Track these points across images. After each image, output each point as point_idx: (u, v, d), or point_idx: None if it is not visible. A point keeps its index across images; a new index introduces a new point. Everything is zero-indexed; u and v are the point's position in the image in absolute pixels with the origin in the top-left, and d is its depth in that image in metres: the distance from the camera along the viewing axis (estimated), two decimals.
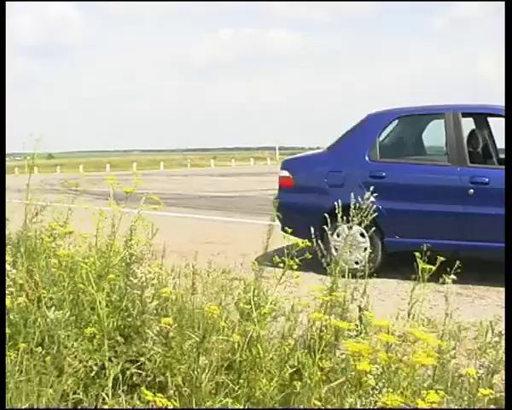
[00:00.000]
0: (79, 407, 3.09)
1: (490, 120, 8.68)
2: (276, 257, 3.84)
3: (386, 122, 7.77)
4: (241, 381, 3.21)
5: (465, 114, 7.57)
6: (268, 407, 3.05)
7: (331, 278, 4.05)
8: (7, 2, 4.69)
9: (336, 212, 4.65)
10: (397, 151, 7.90)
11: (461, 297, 6.33)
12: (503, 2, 3.92)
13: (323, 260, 4.36)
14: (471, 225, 6.99)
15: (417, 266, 3.66)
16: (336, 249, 6.61)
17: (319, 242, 5.11)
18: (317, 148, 8.73)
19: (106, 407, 3.06)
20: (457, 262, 3.84)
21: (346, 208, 4.62)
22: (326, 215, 5.37)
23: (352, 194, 4.84)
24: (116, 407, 3.05)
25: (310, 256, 4.03)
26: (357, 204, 4.63)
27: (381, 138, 7.70)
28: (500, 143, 9.30)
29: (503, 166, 7.97)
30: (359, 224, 4.67)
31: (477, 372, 3.46)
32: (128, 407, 3.08)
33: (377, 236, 7.16)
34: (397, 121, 7.94)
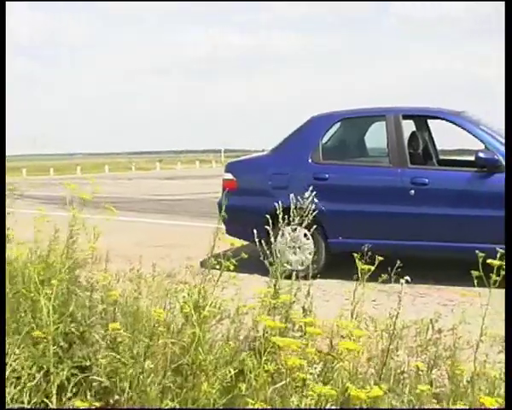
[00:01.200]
0: (79, 407, 3.07)
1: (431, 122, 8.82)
2: (214, 259, 3.86)
3: (329, 124, 7.86)
4: (186, 384, 3.21)
5: (406, 117, 7.70)
6: (268, 407, 3.06)
7: (274, 280, 4.08)
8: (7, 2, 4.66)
9: (279, 213, 4.68)
10: (340, 153, 8.00)
11: (403, 296, 6.42)
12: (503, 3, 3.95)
13: (266, 262, 4.39)
14: (412, 225, 7.12)
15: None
16: (280, 251, 6.65)
17: (263, 244, 5.15)
18: (263, 150, 8.76)
19: (106, 406, 3.05)
20: (398, 262, 3.91)
21: (289, 211, 4.65)
22: (270, 217, 5.40)
23: (295, 196, 4.87)
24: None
25: (245, 256, 4.06)
26: (300, 206, 4.68)
27: (324, 141, 7.78)
28: (440, 144, 9.51)
29: (443, 168, 8.19)
30: (302, 225, 4.72)
31: (418, 368, 3.53)
32: (129, 406, 3.08)
33: (321, 237, 7.25)
34: (340, 124, 8.04)
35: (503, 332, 5.06)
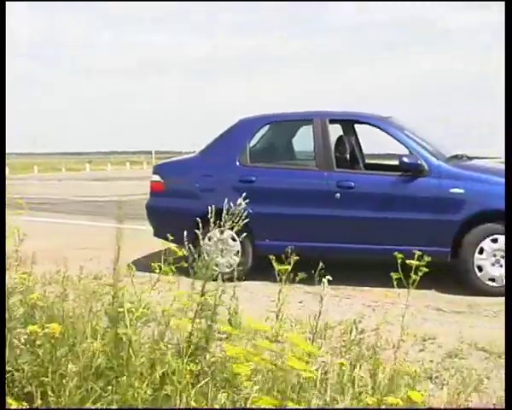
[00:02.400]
0: (79, 407, 3.02)
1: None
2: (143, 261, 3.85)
3: (257, 128, 7.90)
4: (110, 387, 3.19)
5: (333, 121, 7.80)
6: (266, 407, 3.06)
7: (201, 282, 4.09)
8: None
9: (207, 216, 4.69)
10: (267, 156, 8.04)
11: (328, 297, 6.49)
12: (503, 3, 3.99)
13: (193, 265, 4.39)
14: (338, 227, 7.22)
15: (282, 268, 3.79)
16: (208, 254, 6.64)
17: (190, 246, 5.15)
18: (193, 152, 8.74)
19: (105, 406, 3.01)
20: (321, 264, 3.97)
21: (217, 213, 4.66)
22: (197, 220, 5.40)
23: (222, 198, 4.88)
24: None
25: (182, 261, 4.06)
26: (227, 208, 4.70)
27: (251, 143, 7.81)
28: (370, 149, 9.68)
29: (368, 172, 8.33)
30: (230, 228, 4.74)
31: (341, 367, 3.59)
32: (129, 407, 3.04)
33: (248, 239, 7.28)
34: (268, 127, 8.08)
35: (423, 331, 5.23)
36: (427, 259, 3.62)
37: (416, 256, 3.64)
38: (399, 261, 3.64)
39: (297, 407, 3.02)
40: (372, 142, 9.00)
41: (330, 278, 3.83)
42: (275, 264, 3.80)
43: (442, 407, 3.47)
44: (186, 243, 4.72)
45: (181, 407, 3.03)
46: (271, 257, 3.96)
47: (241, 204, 4.64)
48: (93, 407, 3.03)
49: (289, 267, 3.77)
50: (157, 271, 3.87)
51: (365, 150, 9.39)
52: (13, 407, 2.90)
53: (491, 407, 3.45)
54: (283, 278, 3.79)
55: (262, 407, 2.81)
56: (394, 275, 3.62)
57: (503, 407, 3.12)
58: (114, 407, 3.10)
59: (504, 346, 3.31)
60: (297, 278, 4.02)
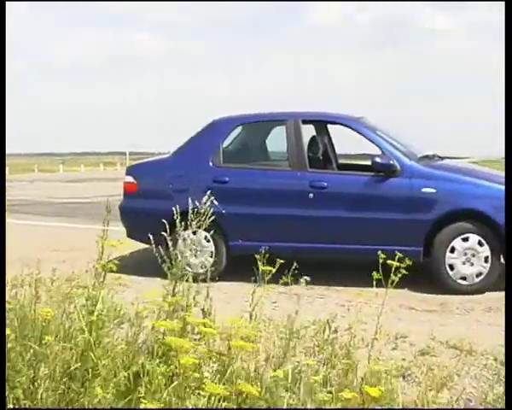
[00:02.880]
0: (79, 407, 3.00)
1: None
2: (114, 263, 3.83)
3: (230, 128, 7.91)
4: (83, 389, 3.19)
5: (305, 122, 7.83)
6: (266, 407, 3.06)
7: (173, 283, 4.10)
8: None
9: (177, 217, 4.68)
10: (241, 157, 8.05)
11: (302, 297, 6.53)
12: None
13: (164, 266, 4.39)
14: (311, 227, 7.25)
15: (258, 269, 3.80)
16: (181, 254, 6.64)
17: (162, 247, 5.15)
18: (168, 153, 8.72)
19: (105, 407, 2.99)
20: (295, 264, 3.99)
21: (189, 213, 4.66)
22: (171, 220, 5.39)
23: (195, 199, 4.88)
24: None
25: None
26: (200, 209, 4.70)
27: (224, 144, 7.82)
28: (340, 149, 9.72)
29: (341, 172, 8.38)
30: (203, 228, 4.74)
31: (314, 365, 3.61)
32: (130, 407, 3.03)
33: (221, 240, 7.30)
34: (241, 128, 8.09)
35: (396, 330, 5.27)
36: (408, 262, 3.64)
37: (396, 257, 3.67)
38: (381, 261, 3.66)
39: (295, 406, 3.05)
40: (346, 142, 9.05)
41: (308, 279, 3.85)
42: (260, 265, 3.80)
43: (422, 406, 3.50)
44: (159, 244, 4.72)
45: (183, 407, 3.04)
46: (257, 257, 3.95)
47: (212, 204, 4.65)
48: (93, 407, 3.03)
49: (273, 269, 3.78)
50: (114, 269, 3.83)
51: (340, 151, 9.45)
52: (13, 407, 2.90)
53: (491, 407, 3.49)
54: (265, 278, 3.80)
55: (262, 407, 2.84)
56: (375, 275, 3.64)
57: (503, 407, 3.16)
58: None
59: (504, 345, 3.35)
60: (280, 281, 4.03)
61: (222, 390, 2.66)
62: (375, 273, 3.65)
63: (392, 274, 3.61)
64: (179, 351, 2.85)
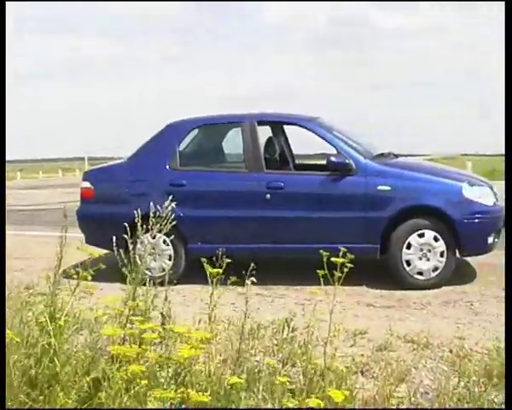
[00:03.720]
0: (79, 407, 2.97)
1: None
2: (72, 270, 3.83)
3: (186, 131, 7.88)
4: (42, 397, 3.18)
5: (261, 123, 7.85)
6: (267, 407, 3.06)
7: (131, 287, 4.10)
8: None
9: (138, 221, 4.68)
10: (197, 160, 8.04)
11: (262, 297, 6.58)
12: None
13: (124, 270, 4.39)
14: (270, 228, 7.29)
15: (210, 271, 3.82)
16: (140, 258, 6.62)
17: (121, 252, 5.14)
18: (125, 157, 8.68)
19: (105, 407, 2.97)
20: (253, 264, 4.02)
21: (147, 218, 4.66)
22: (129, 225, 5.39)
23: (153, 203, 4.89)
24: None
25: (103, 266, 4.06)
26: (158, 213, 4.70)
27: (181, 147, 7.80)
28: (299, 149, 9.79)
29: (298, 172, 8.45)
30: (160, 232, 4.75)
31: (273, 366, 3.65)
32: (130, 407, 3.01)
33: (180, 243, 7.29)
34: (197, 130, 8.08)
35: (354, 326, 5.34)
36: (349, 256, 3.69)
37: (340, 253, 3.72)
38: (325, 259, 3.72)
39: (298, 406, 3.08)
40: (304, 142, 9.10)
41: (254, 280, 3.87)
42: (206, 267, 3.82)
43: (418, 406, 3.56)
44: (117, 249, 4.71)
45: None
46: (203, 260, 3.97)
47: (168, 207, 4.66)
48: (93, 407, 3.03)
49: (220, 271, 3.80)
50: (88, 278, 3.84)
51: (298, 151, 9.51)
52: (13, 407, 2.89)
53: (491, 407, 3.55)
54: (215, 280, 3.82)
55: (263, 407, 2.86)
56: (320, 272, 3.71)
57: (503, 407, 3.21)
58: None
59: (504, 345, 3.40)
60: (228, 281, 4.05)
61: (172, 395, 2.68)
62: (320, 271, 3.71)
63: (337, 271, 3.66)
64: (127, 359, 2.86)
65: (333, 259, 3.69)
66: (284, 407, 2.93)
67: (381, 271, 7.31)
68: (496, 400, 3.76)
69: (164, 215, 4.67)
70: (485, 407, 3.57)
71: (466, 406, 3.63)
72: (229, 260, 3.94)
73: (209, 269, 3.77)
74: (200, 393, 2.91)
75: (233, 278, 3.88)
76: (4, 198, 5.11)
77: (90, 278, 3.90)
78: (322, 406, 2.77)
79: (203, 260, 3.90)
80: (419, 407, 3.69)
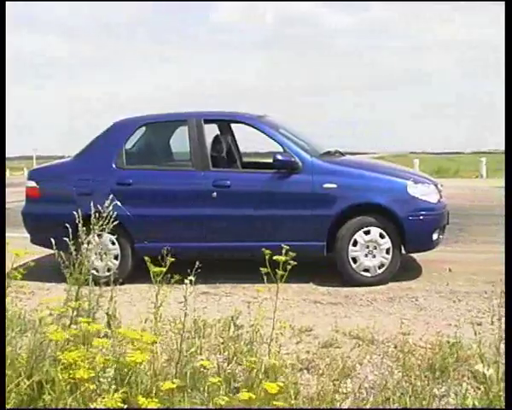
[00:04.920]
0: (79, 407, 2.91)
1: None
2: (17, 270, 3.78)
3: (132, 130, 7.81)
4: None
5: (208, 121, 7.83)
6: (267, 407, 3.03)
7: (75, 288, 4.07)
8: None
9: (87, 220, 4.64)
10: (144, 158, 7.99)
11: (208, 296, 6.58)
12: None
13: (65, 271, 4.34)
14: (216, 226, 7.28)
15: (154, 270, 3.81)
16: (86, 258, 6.55)
17: (67, 252, 5.09)
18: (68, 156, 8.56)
19: (106, 407, 2.91)
20: (198, 263, 4.00)
21: (94, 217, 4.62)
22: (75, 224, 5.32)
23: (99, 202, 4.85)
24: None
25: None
26: (103, 212, 4.66)
27: (127, 146, 7.72)
28: (248, 147, 9.80)
29: (244, 170, 8.45)
30: (107, 231, 4.72)
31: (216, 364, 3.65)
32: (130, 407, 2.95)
33: (127, 242, 7.23)
34: (144, 129, 7.99)
35: (300, 323, 5.37)
36: (291, 254, 3.72)
37: (283, 252, 3.75)
38: (265, 257, 3.75)
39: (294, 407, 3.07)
40: (253, 140, 9.10)
41: (192, 279, 3.87)
42: (150, 266, 3.81)
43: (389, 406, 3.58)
44: (64, 249, 4.66)
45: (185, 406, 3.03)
46: (147, 259, 3.95)
47: (116, 207, 4.64)
48: (93, 407, 2.99)
49: (164, 269, 3.79)
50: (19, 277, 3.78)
51: (247, 149, 9.51)
52: (13, 407, 2.84)
53: (491, 407, 3.59)
54: (160, 279, 3.80)
55: (264, 407, 2.85)
56: (263, 270, 3.73)
57: (503, 407, 3.23)
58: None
59: (504, 345, 3.41)
60: (172, 280, 4.04)
61: (115, 396, 2.67)
62: (263, 268, 3.74)
63: (279, 269, 3.69)
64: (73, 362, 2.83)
65: (275, 257, 3.71)
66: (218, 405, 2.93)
67: (327, 268, 7.37)
68: (437, 393, 3.84)
69: (109, 215, 4.64)
70: (486, 406, 3.62)
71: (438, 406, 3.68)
72: (173, 259, 3.92)
73: (152, 268, 3.75)
74: (145, 394, 2.90)
75: (176, 277, 3.85)
76: (4, 198, 5.06)
77: (19, 277, 3.84)
78: (253, 398, 2.79)
79: (147, 259, 3.88)
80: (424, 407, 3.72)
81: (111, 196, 4.91)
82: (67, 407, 2.96)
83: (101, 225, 4.55)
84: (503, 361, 3.43)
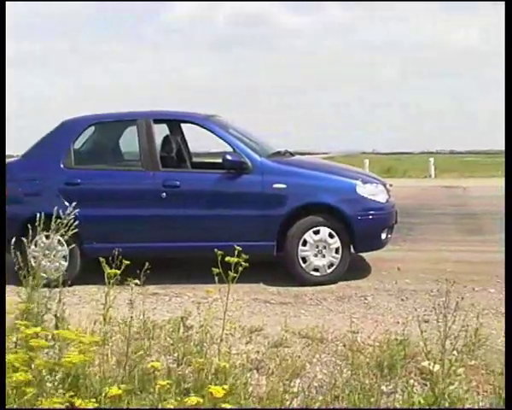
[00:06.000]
0: (79, 407, 2.83)
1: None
2: None
3: (81, 129, 7.70)
4: None
5: (157, 121, 7.78)
6: (268, 407, 2.97)
7: (27, 290, 4.02)
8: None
9: (32, 221, 4.59)
10: (93, 158, 7.89)
11: (159, 297, 6.55)
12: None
13: (20, 273, 4.28)
14: (166, 227, 7.24)
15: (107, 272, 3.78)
16: (35, 259, 6.47)
17: (16, 253, 5.03)
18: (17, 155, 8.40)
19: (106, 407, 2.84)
20: (147, 263, 3.98)
21: (42, 218, 4.57)
22: (22, 225, 5.27)
23: (48, 202, 4.81)
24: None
25: None
26: (53, 213, 4.62)
27: (76, 145, 7.61)
28: (199, 147, 9.77)
29: (194, 170, 8.42)
30: (55, 232, 4.67)
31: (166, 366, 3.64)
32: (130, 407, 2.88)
33: (75, 243, 7.12)
34: (93, 128, 7.90)
35: (250, 324, 5.39)
36: (244, 256, 3.74)
37: (236, 252, 3.77)
38: (220, 258, 3.76)
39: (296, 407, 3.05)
40: (205, 141, 9.07)
41: (139, 282, 3.85)
42: (105, 267, 3.77)
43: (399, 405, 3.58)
44: (12, 250, 4.60)
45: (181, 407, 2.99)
46: (102, 260, 3.91)
47: (65, 208, 4.59)
48: (93, 407, 2.93)
49: (118, 272, 3.76)
50: None
51: (201, 149, 9.47)
52: (13, 407, 2.79)
53: (491, 407, 3.61)
54: (111, 281, 3.78)
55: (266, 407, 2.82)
56: (215, 270, 3.74)
57: (503, 406, 3.26)
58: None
59: (505, 345, 3.45)
60: (126, 282, 4.01)
61: (60, 400, 2.65)
62: (214, 269, 3.75)
63: (231, 270, 3.71)
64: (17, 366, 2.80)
65: (227, 258, 3.72)
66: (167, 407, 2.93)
67: (278, 268, 7.40)
68: (385, 389, 3.89)
69: (57, 215, 4.60)
70: (485, 406, 3.65)
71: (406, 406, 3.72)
72: (128, 262, 3.89)
73: (107, 269, 3.72)
74: (93, 399, 2.89)
75: (131, 279, 3.84)
76: (4, 198, 4.96)
77: None
78: (201, 402, 2.80)
79: (102, 259, 3.84)
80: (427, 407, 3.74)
81: (61, 196, 4.86)
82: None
83: (53, 225, 4.50)
84: (449, 357, 3.50)
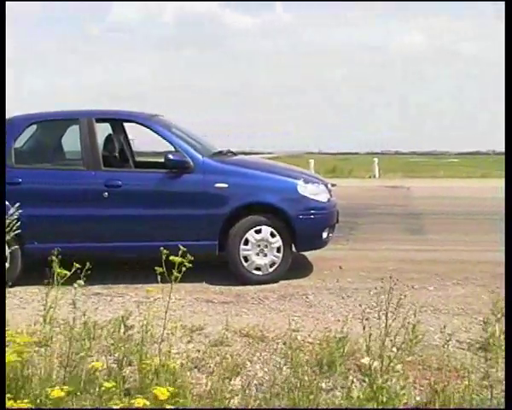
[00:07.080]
0: (79, 408, 2.76)
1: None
2: None
3: (22, 127, 7.59)
4: None
5: (99, 120, 7.73)
6: (269, 407, 2.94)
7: None
8: None
9: None
10: (34, 157, 7.79)
11: (101, 297, 6.52)
12: None
13: None
14: (108, 227, 7.21)
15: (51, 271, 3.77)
16: None
17: None
18: None
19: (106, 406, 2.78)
20: (88, 264, 3.98)
21: None
22: None
23: None
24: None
25: None
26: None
27: (17, 144, 7.52)
28: (143, 147, 9.73)
29: (136, 170, 8.38)
30: None
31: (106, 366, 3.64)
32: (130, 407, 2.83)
33: (16, 243, 7.03)
34: (35, 127, 7.81)
35: (192, 323, 5.41)
36: (190, 257, 3.78)
37: (180, 252, 3.80)
38: (164, 257, 3.79)
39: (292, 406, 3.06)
40: (149, 140, 9.03)
41: (82, 282, 3.86)
42: (55, 267, 3.76)
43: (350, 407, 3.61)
44: None
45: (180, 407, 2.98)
46: (54, 259, 3.90)
47: (12, 210, 4.55)
48: (93, 407, 2.90)
49: (68, 273, 3.76)
50: None
51: (145, 148, 9.42)
52: (13, 407, 2.74)
53: (491, 407, 3.64)
54: (54, 281, 3.77)
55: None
56: (158, 270, 3.77)
57: (504, 407, 3.28)
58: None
59: (504, 345, 3.49)
60: (75, 283, 4.00)
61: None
62: (157, 268, 3.79)
63: (175, 270, 3.74)
64: None
65: (171, 258, 3.75)
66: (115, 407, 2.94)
67: (220, 267, 7.43)
68: (324, 386, 3.97)
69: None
70: (485, 406, 3.70)
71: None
72: (78, 265, 3.89)
73: (57, 269, 3.71)
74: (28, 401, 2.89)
75: (79, 281, 3.83)
76: (4, 197, 4.86)
77: None
78: (148, 405, 2.82)
79: (54, 259, 3.83)
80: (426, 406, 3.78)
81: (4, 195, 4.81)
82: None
83: None
84: (388, 354, 3.59)
